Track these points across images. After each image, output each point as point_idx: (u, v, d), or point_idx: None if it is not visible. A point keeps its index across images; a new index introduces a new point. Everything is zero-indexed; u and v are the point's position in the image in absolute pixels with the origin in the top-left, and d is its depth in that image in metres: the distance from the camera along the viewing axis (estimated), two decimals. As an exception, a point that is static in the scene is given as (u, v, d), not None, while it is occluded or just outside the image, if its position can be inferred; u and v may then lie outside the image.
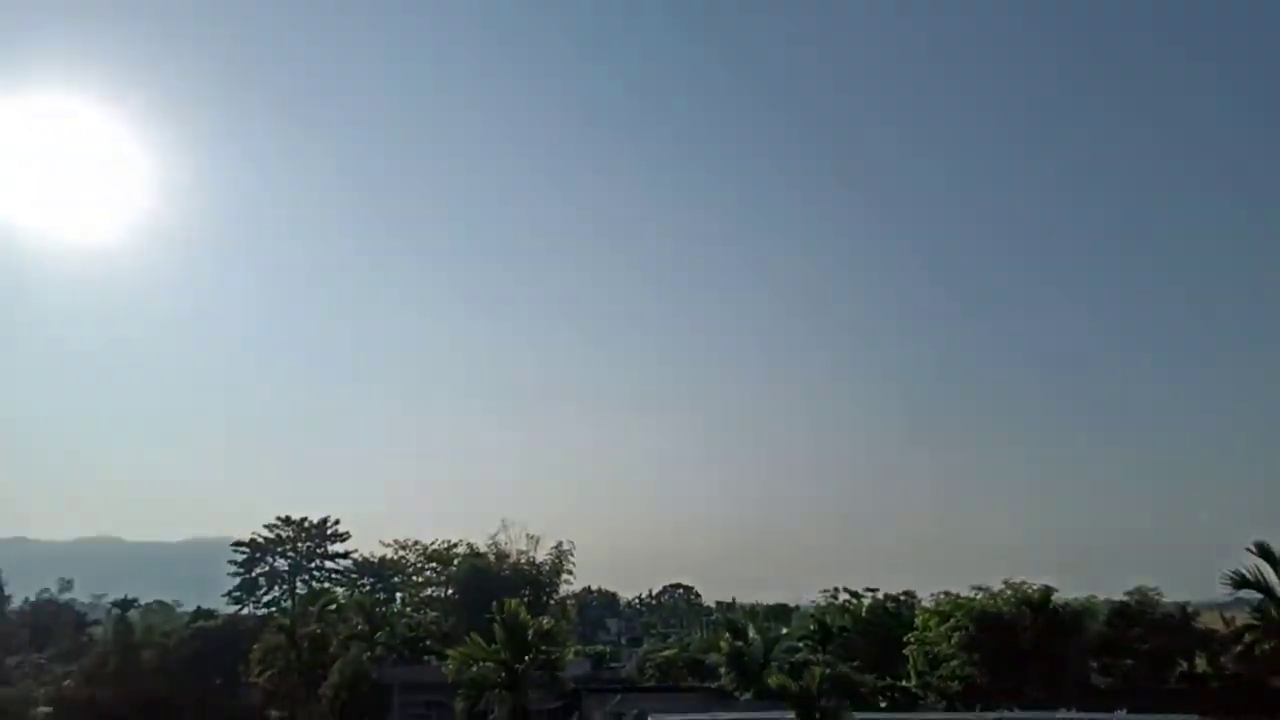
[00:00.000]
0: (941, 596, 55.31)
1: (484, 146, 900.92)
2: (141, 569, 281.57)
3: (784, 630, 68.95)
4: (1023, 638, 48.24)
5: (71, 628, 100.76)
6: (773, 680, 34.79)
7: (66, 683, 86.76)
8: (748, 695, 46.95)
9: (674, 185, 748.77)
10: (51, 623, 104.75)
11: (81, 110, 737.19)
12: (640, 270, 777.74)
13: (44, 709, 75.94)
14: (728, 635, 54.25)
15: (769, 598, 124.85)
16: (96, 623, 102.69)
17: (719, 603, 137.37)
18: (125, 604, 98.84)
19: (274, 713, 61.11)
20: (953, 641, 49.63)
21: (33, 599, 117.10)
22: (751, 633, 54.30)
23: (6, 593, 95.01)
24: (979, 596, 52.22)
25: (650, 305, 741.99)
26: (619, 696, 43.98)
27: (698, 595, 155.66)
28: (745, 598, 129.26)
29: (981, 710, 40.94)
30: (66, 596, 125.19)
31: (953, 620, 50.51)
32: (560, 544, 66.75)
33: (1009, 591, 50.90)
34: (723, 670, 51.96)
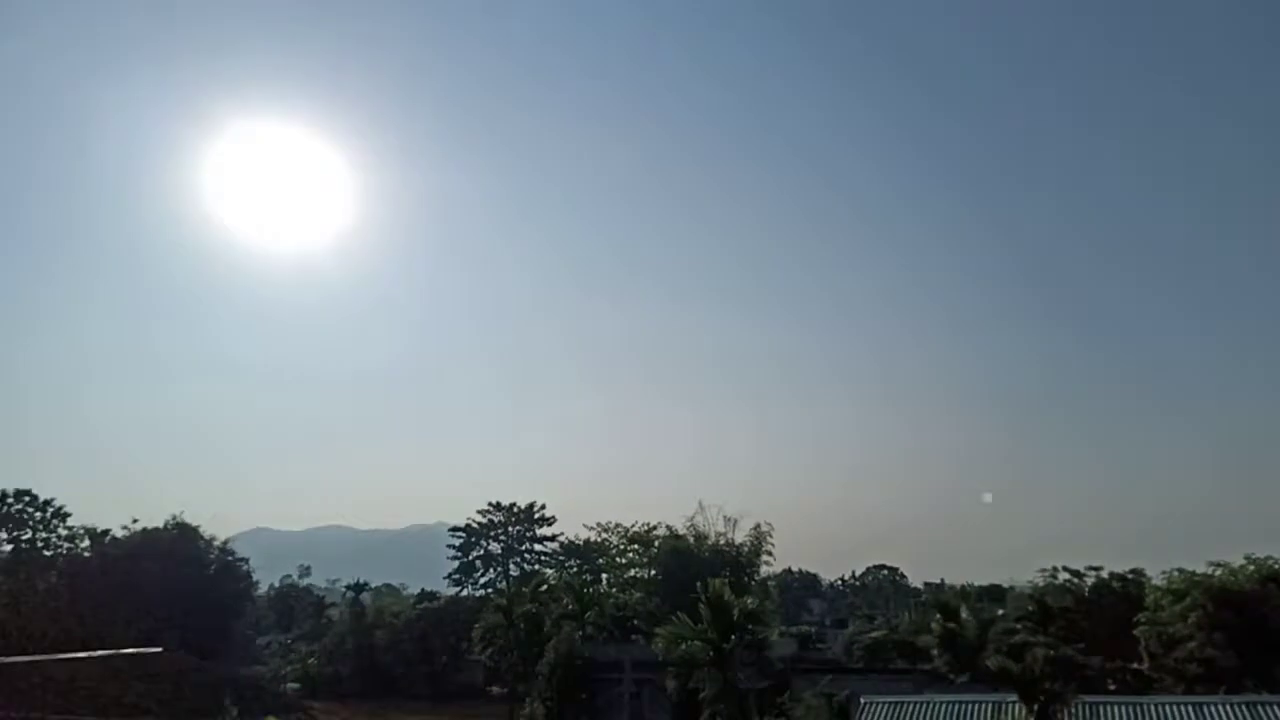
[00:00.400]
0: (1174, 574, 51.51)
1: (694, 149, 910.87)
2: (368, 555, 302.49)
3: (999, 611, 66.12)
4: (1272, 616, 44.23)
5: (312, 610, 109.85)
6: (991, 662, 33.41)
7: (310, 660, 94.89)
8: (964, 678, 45.36)
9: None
10: (295, 606, 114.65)
11: (290, 132, 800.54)
12: (848, 258, 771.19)
13: (292, 685, 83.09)
14: (939, 616, 52.60)
15: (980, 578, 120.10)
16: (333, 605, 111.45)
17: (926, 584, 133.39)
18: (358, 588, 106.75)
19: (496, 688, 64.38)
20: (1190, 621, 46.16)
21: (277, 585, 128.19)
22: (964, 613, 52.39)
23: (254, 579, 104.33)
24: (1217, 573, 48.29)
25: (853, 287, 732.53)
26: (829, 677, 43.53)
27: (903, 576, 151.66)
28: (954, 578, 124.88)
29: (1225, 693, 37.79)
30: (305, 582, 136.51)
31: (1189, 599, 46.98)
32: (758, 525, 66.57)
33: (1251, 567, 46.77)
34: (935, 652, 50.43)
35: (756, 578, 66.57)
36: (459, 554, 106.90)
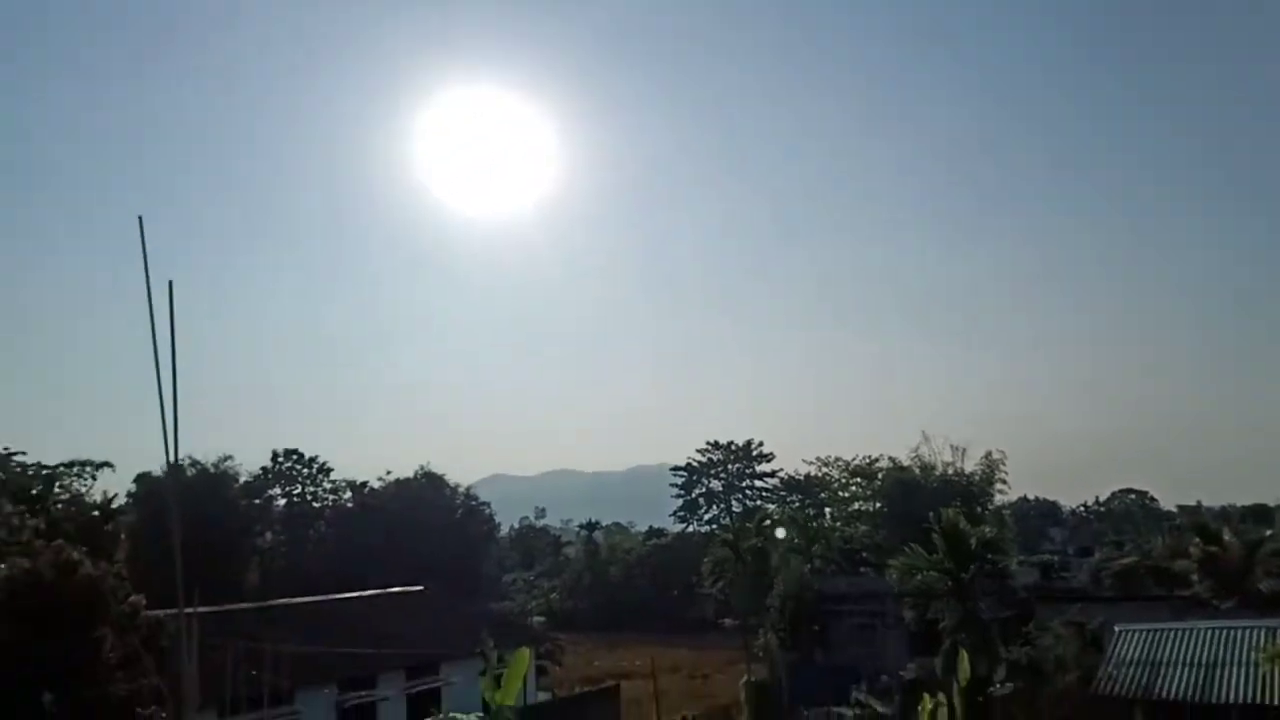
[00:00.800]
0: None
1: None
2: (596, 496, 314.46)
3: (1267, 533, 60.45)
4: None
5: (550, 549, 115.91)
6: (1264, 585, 30.62)
7: (552, 595, 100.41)
8: (1229, 603, 41.89)
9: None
10: (534, 546, 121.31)
11: (496, 96, 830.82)
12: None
13: (538, 619, 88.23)
14: (1197, 540, 48.70)
15: (1241, 498, 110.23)
16: (569, 544, 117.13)
17: (1180, 507, 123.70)
18: (590, 527, 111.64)
19: (727, 620, 65.63)
20: None
21: (516, 526, 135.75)
22: (1227, 535, 48.29)
23: (496, 522, 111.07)
24: None
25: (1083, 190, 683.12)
26: (1077, 606, 41.35)
27: (1153, 500, 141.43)
28: (1211, 500, 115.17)
29: None
30: (541, 523, 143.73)
31: None
32: (989, 453, 63.95)
33: None
34: (1194, 577, 46.84)
35: (990, 506, 64.15)
36: (682, 492, 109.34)
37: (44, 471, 74.55)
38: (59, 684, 17.91)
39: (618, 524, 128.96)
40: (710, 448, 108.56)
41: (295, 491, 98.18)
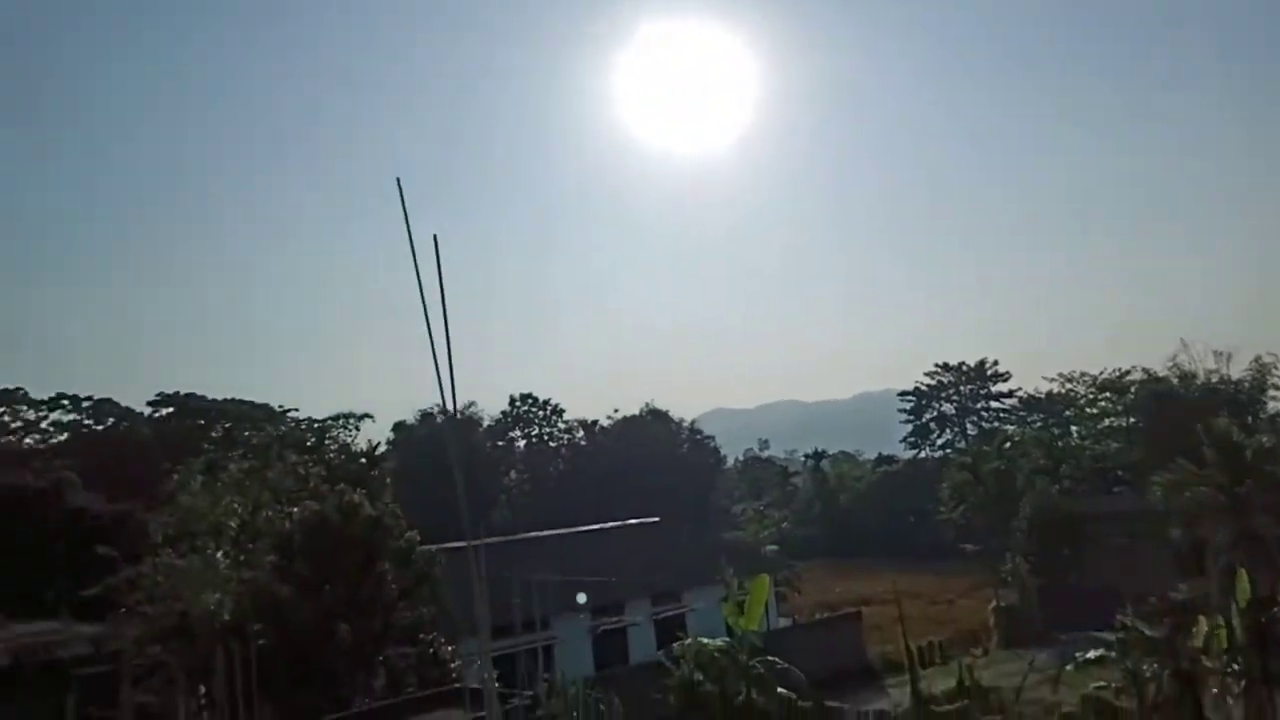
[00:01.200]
0: None
1: None
2: (819, 426, 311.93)
3: None
4: None
5: (777, 479, 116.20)
6: None
7: (783, 525, 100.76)
8: None
9: None
10: (760, 476, 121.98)
11: (694, 32, 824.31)
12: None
13: (770, 548, 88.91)
14: None
15: None
16: (795, 473, 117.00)
17: None
18: (817, 456, 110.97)
19: (967, 546, 63.66)
20: None
21: (740, 458, 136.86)
22: None
23: (721, 454, 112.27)
24: None
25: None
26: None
27: None
28: None
29: None
30: (765, 454, 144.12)
31: None
32: (1258, 358, 58.05)
33: None
34: None
35: (1263, 415, 58.41)
36: (912, 417, 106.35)
37: (315, 425, 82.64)
38: (350, 615, 19.82)
39: (844, 452, 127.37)
40: (940, 370, 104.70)
41: (533, 433, 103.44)
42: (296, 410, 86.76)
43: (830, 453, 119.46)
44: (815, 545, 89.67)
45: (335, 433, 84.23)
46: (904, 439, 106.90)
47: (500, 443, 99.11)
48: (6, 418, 76.76)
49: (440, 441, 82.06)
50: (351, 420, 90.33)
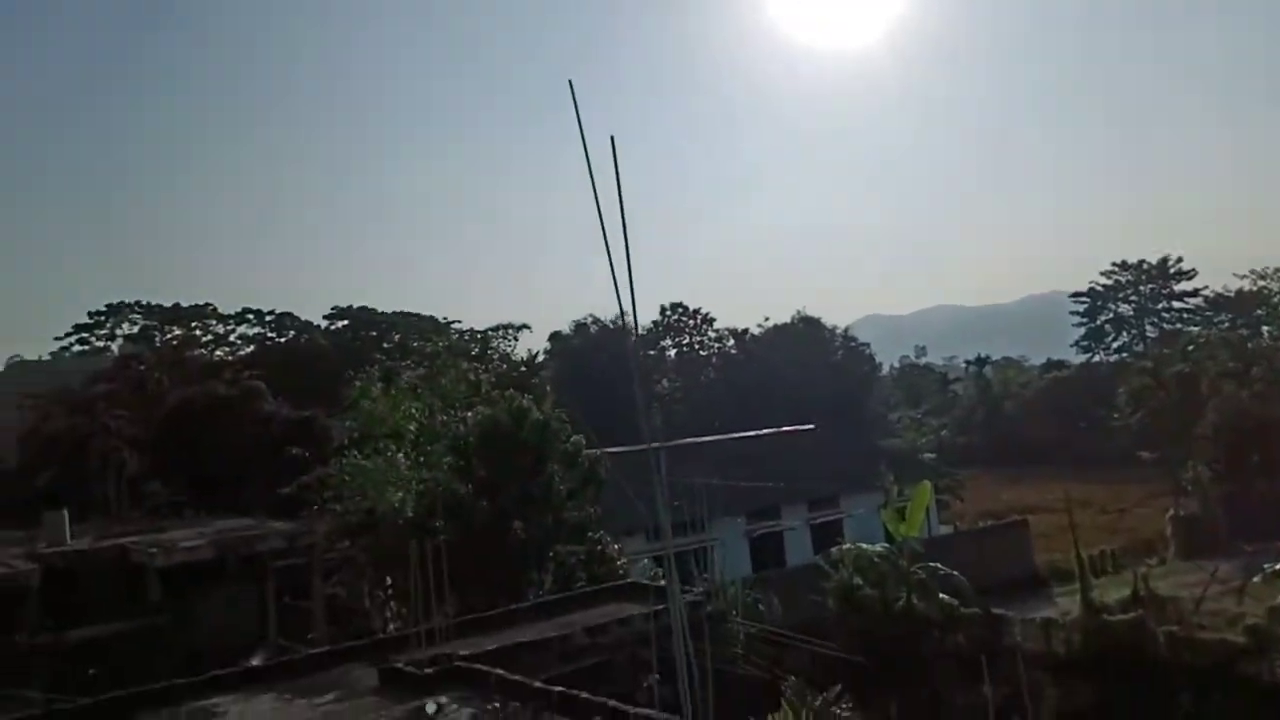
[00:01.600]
0: None
1: None
2: (981, 331, 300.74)
3: None
4: None
5: (936, 386, 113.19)
6: None
7: (943, 432, 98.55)
8: None
9: None
10: (918, 383, 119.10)
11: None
12: None
13: (928, 455, 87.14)
14: None
15: None
16: (956, 380, 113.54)
17: None
18: (980, 362, 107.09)
19: (1145, 453, 60.53)
20: None
21: (896, 365, 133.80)
22: None
23: (877, 361, 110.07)
24: None
25: None
26: None
27: None
28: None
29: None
30: (923, 360, 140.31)
31: None
32: None
33: None
34: None
35: None
36: (1084, 320, 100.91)
37: (478, 335, 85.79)
38: (523, 513, 20.68)
39: (1008, 358, 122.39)
40: (1117, 269, 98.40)
41: (683, 342, 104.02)
42: (460, 322, 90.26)
43: (994, 358, 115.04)
44: (977, 453, 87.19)
45: (496, 343, 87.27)
46: (1075, 343, 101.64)
47: (651, 352, 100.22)
48: (198, 332, 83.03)
49: (595, 350, 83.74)
50: (510, 331, 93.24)
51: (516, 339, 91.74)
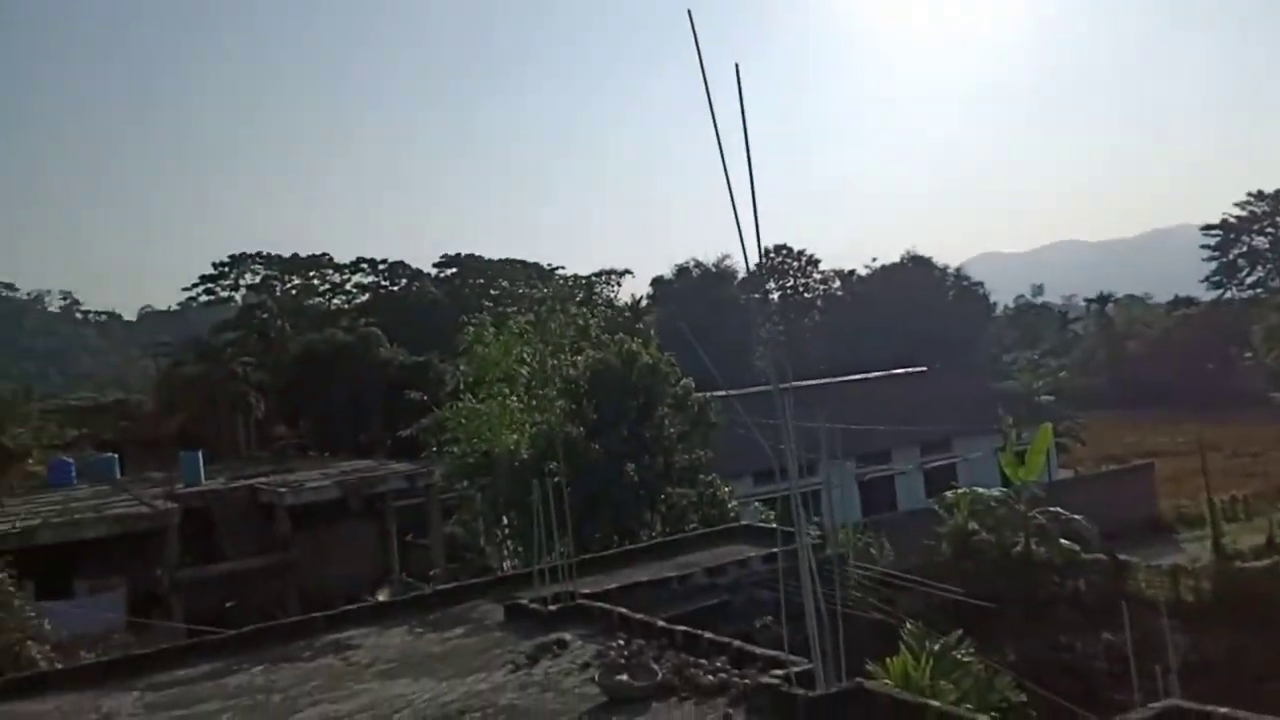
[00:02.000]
0: None
1: None
2: (1103, 267, 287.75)
3: None
4: None
5: (1055, 326, 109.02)
6: None
7: (1061, 374, 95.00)
8: None
9: None
10: (1035, 323, 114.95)
11: None
12: None
13: (1046, 397, 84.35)
14: None
15: None
16: (1076, 320, 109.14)
17: None
18: (1102, 300, 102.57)
19: (1277, 394, 57.34)
20: None
21: (1011, 305, 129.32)
22: None
23: (991, 301, 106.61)
24: None
25: None
26: None
27: None
28: None
29: None
30: (1040, 300, 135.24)
31: None
32: None
33: None
34: None
35: None
36: (1215, 254, 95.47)
37: (581, 281, 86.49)
38: (634, 456, 20.88)
39: (1132, 296, 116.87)
40: (1254, 199, 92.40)
41: (788, 285, 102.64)
42: (563, 267, 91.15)
43: (1116, 296, 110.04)
44: (1099, 396, 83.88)
45: (599, 288, 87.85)
46: (1205, 279, 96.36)
47: (755, 295, 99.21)
48: (316, 281, 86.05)
49: (699, 293, 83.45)
50: (613, 276, 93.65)
51: (619, 284, 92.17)
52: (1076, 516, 23.80)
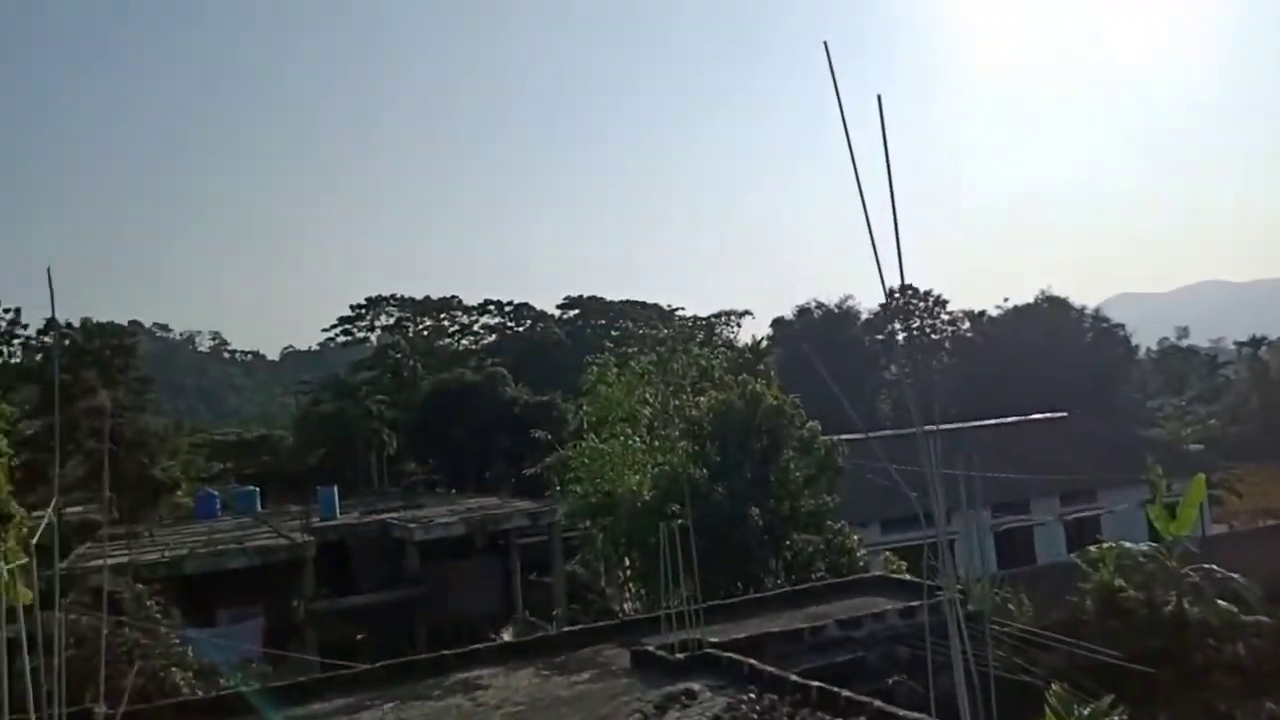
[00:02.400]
0: None
1: None
2: (1252, 308, 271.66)
3: None
4: None
5: (1204, 371, 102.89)
6: None
7: (1211, 421, 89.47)
8: None
9: None
10: (1181, 367, 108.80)
11: None
12: None
13: (1194, 446, 79.51)
14: None
15: None
16: (1227, 363, 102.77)
17: None
18: (1254, 343, 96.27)
19: None
20: None
21: (1154, 348, 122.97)
22: None
23: (1133, 344, 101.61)
24: None
25: None
26: None
27: None
28: None
29: None
30: (1185, 342, 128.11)
31: None
32: None
33: None
34: None
35: None
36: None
37: (701, 322, 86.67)
38: (759, 499, 20.53)
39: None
40: None
41: (914, 325, 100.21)
42: (683, 308, 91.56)
43: (1270, 338, 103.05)
44: (1252, 445, 78.35)
45: (719, 329, 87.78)
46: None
47: (879, 336, 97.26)
48: (445, 322, 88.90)
49: (821, 335, 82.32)
50: (733, 317, 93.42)
51: (739, 325, 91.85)
52: (1234, 575, 22.15)
